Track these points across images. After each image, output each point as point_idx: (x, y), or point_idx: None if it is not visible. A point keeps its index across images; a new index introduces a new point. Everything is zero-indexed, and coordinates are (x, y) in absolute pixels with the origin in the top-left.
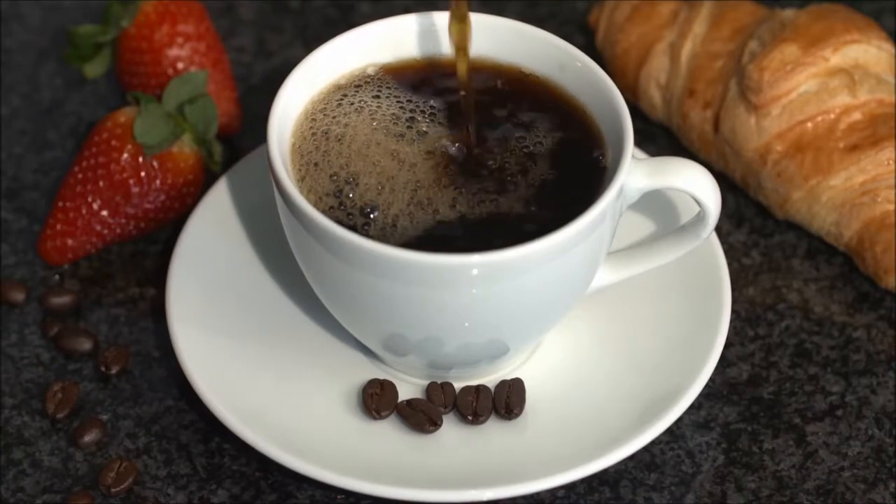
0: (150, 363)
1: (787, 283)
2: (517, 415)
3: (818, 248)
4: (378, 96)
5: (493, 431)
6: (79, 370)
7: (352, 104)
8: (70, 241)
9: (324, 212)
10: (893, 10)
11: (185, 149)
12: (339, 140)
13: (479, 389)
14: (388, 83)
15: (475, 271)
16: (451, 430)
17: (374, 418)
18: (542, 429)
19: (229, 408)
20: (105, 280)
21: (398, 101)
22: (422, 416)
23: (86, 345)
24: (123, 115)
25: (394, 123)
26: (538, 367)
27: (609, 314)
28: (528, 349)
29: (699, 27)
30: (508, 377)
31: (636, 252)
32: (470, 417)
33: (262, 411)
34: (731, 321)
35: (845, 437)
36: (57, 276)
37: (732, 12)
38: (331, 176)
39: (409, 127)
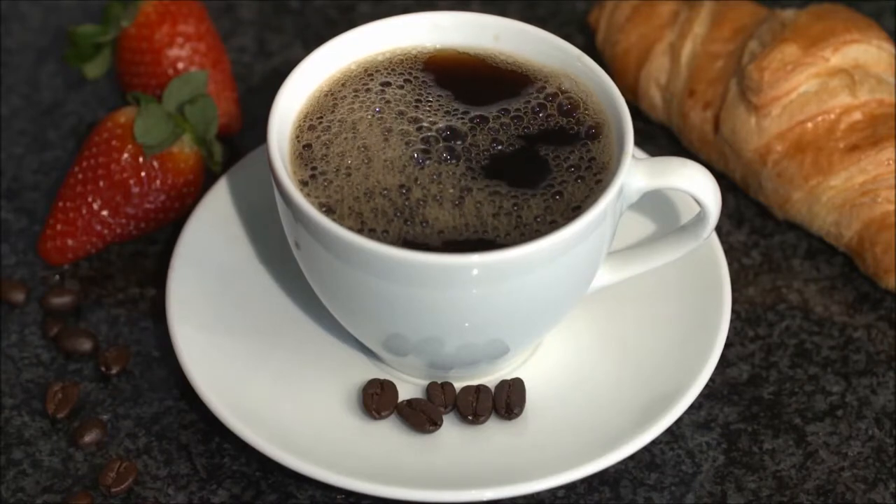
0: (150, 363)
1: (787, 284)
2: (517, 415)
3: (818, 248)
4: (380, 95)
5: (493, 431)
6: (79, 370)
7: (353, 103)
8: (70, 241)
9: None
10: (893, 10)
11: (185, 149)
12: (339, 139)
13: (480, 389)
14: (389, 82)
15: (475, 271)
16: (451, 430)
17: (374, 418)
18: (542, 429)
19: (229, 408)
20: (105, 280)
21: (400, 100)
22: (422, 416)
23: (86, 345)
24: (123, 115)
25: (396, 122)
26: (538, 367)
27: (609, 314)
28: (529, 349)
29: (699, 27)
30: (508, 377)
31: (636, 252)
32: (470, 417)
33: (262, 411)
34: (731, 321)
35: (845, 438)
36: (57, 276)
37: (732, 12)
38: (330, 176)
39: (409, 126)
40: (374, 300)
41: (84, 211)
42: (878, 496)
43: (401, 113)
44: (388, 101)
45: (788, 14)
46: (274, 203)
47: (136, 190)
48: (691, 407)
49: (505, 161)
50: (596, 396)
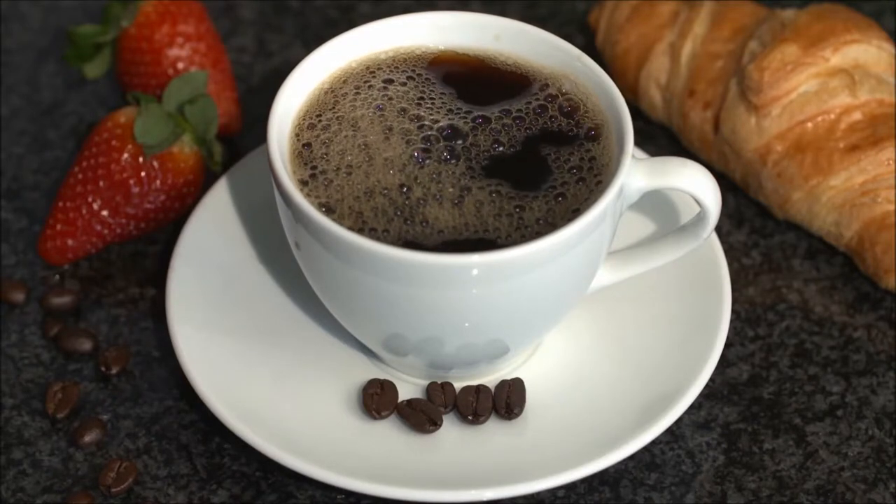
0: (150, 363)
1: (787, 284)
2: (517, 415)
3: (818, 248)
4: (382, 91)
5: (493, 431)
6: (79, 370)
7: (354, 100)
8: (70, 241)
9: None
10: (893, 10)
11: (185, 149)
12: (339, 137)
13: (480, 389)
14: (392, 79)
15: (475, 271)
16: (451, 430)
17: (374, 418)
18: (542, 429)
19: (229, 408)
20: (105, 280)
21: (402, 96)
22: (422, 416)
23: (86, 345)
24: (123, 115)
25: (396, 120)
26: (538, 367)
27: (609, 314)
28: (529, 349)
29: (699, 27)
30: (508, 377)
31: (636, 252)
32: (470, 417)
33: (262, 411)
34: (731, 321)
35: (845, 438)
36: (57, 276)
37: (732, 12)
38: (330, 175)
39: (410, 124)
40: (374, 300)
41: (84, 211)
42: (878, 496)
43: (403, 110)
44: (390, 98)
45: (788, 14)
46: (274, 203)
47: (136, 190)
48: (691, 407)
49: (505, 161)
50: (596, 396)
